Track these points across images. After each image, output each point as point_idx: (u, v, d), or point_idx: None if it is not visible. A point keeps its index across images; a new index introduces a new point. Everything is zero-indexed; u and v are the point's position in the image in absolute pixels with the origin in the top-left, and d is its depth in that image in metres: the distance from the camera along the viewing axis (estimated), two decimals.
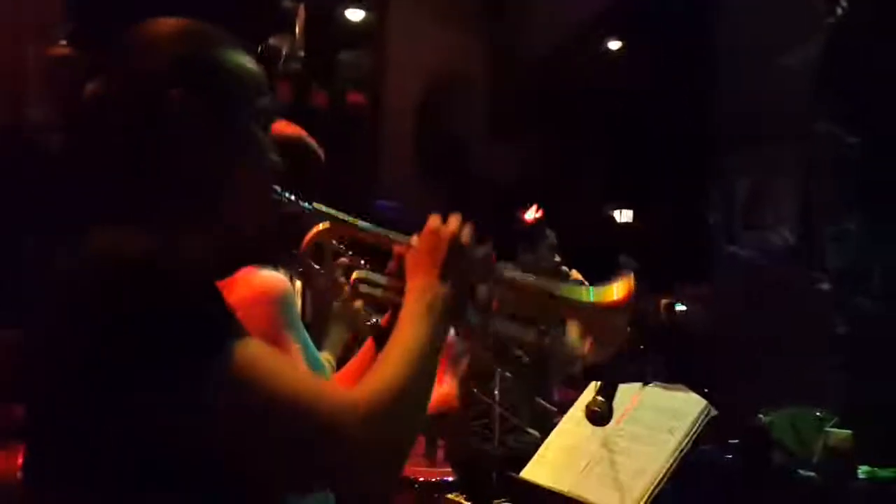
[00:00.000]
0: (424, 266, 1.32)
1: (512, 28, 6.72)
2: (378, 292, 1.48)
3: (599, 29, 6.70)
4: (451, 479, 3.60)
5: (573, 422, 2.23)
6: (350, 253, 1.56)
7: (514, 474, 2.25)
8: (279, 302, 1.69)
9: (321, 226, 1.44)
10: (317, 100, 6.86)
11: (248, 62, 1.23)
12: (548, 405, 2.78)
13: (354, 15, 7.16)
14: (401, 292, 1.38)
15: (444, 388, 3.33)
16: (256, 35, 6.81)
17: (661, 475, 1.95)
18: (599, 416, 1.69)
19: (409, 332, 1.23)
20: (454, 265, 1.32)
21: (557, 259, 3.64)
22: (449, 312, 1.29)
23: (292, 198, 1.34)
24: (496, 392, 2.64)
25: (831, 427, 3.43)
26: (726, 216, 4.39)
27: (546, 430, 2.33)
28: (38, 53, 5.60)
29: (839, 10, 3.31)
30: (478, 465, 3.32)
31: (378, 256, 1.51)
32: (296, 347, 1.67)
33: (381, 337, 1.52)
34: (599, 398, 1.68)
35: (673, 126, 5.86)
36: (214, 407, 1.01)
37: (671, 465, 1.95)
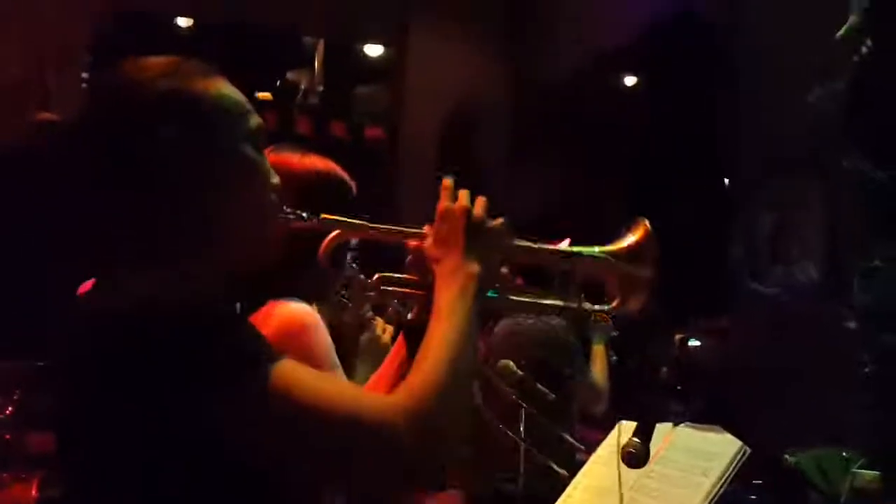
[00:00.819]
0: (447, 249, 1.30)
1: (532, 58, 6.74)
2: (402, 289, 1.47)
3: (621, 60, 6.71)
4: None
5: (601, 462, 2.19)
6: (381, 287, 1.54)
7: None
8: (310, 331, 1.67)
9: (334, 233, 1.44)
10: (336, 133, 6.89)
11: (230, 89, 1.23)
12: (575, 442, 2.74)
13: (373, 50, 7.21)
14: (422, 285, 1.37)
15: None
16: (276, 70, 6.87)
17: None
18: (636, 457, 1.67)
19: (445, 321, 1.21)
20: (476, 242, 1.30)
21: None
22: (480, 291, 1.27)
23: (301, 214, 1.34)
24: (521, 430, 2.62)
25: (858, 468, 3.36)
26: (749, 251, 4.35)
27: (571, 469, 2.29)
28: (62, 82, 5.65)
29: (864, 49, 3.29)
30: None
31: (407, 287, 1.49)
32: (335, 372, 1.66)
33: (410, 333, 1.50)
34: (635, 440, 1.66)
35: (693, 160, 5.85)
36: (261, 426, 1.03)
37: None
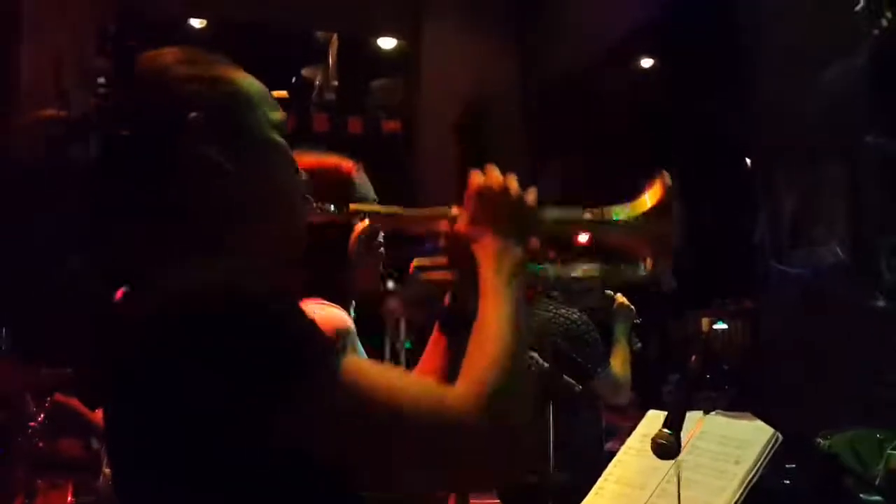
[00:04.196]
0: (485, 228, 1.26)
1: (548, 48, 6.70)
2: (438, 275, 1.42)
3: (637, 46, 6.66)
4: None
5: (632, 452, 2.17)
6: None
7: None
8: (341, 334, 1.67)
9: (362, 223, 1.42)
10: (352, 128, 6.88)
11: (254, 79, 1.23)
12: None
13: (387, 43, 7.18)
14: (457, 268, 1.34)
15: None
16: (290, 66, 6.87)
17: None
18: (667, 448, 1.65)
19: (499, 307, 1.18)
20: (514, 219, 1.27)
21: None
22: (524, 269, 1.25)
23: (328, 206, 1.33)
24: (550, 421, 2.60)
25: (893, 448, 3.32)
26: (773, 233, 4.30)
27: (601, 458, 2.27)
28: (79, 87, 5.67)
29: (884, 22, 3.24)
30: (531, 499, 3.25)
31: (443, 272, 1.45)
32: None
33: (447, 320, 1.47)
34: (666, 430, 1.64)
35: (713, 142, 5.79)
36: (332, 422, 1.01)
37: (739, 498, 1.88)
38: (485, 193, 1.29)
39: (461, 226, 1.30)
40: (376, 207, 1.42)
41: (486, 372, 1.09)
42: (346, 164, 2.03)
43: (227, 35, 6.47)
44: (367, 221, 1.42)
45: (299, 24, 6.86)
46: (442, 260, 1.41)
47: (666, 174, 1.46)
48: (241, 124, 1.18)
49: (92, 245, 1.25)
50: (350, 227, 1.41)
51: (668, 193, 1.44)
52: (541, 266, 1.38)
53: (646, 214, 1.43)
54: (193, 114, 1.14)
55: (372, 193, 2.14)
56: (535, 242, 1.32)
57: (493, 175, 1.31)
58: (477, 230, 1.27)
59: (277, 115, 1.23)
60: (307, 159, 1.88)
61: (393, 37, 7.13)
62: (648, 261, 1.46)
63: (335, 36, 6.85)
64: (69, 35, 5.70)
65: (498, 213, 1.27)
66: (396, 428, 1.02)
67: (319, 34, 7.00)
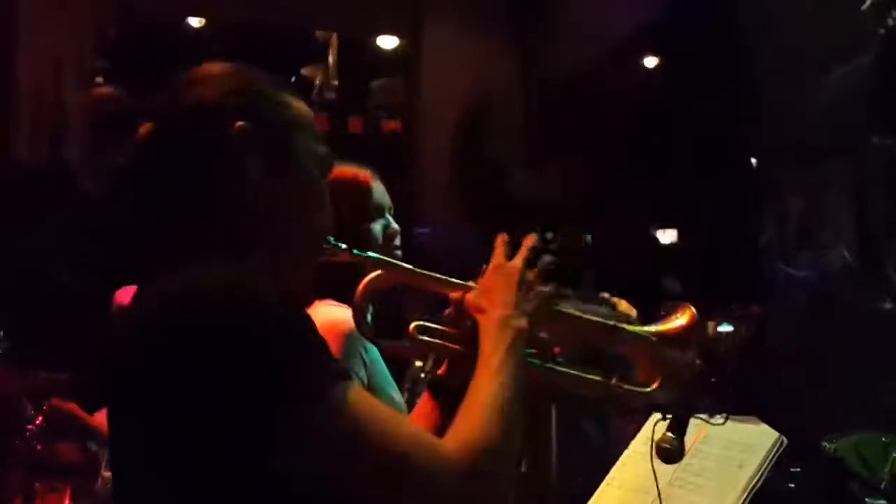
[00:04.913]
0: (493, 302, 1.27)
1: (548, 48, 6.69)
2: (438, 341, 1.39)
3: (638, 46, 6.63)
4: None
5: (635, 457, 2.14)
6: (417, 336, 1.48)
7: None
8: (340, 340, 1.65)
9: (375, 273, 1.39)
10: (352, 128, 6.87)
11: (307, 109, 1.23)
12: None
13: (387, 42, 7.16)
14: (460, 339, 1.33)
15: None
16: (290, 66, 6.84)
17: None
18: (670, 453, 1.61)
19: (496, 376, 1.17)
20: (525, 302, 1.27)
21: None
22: (525, 342, 1.24)
23: (344, 247, 1.32)
24: (553, 428, 2.58)
25: None
26: (779, 236, 4.28)
27: (605, 464, 2.24)
28: (78, 89, 5.66)
29: (890, 21, 3.21)
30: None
31: (443, 339, 1.42)
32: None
33: (438, 388, 1.43)
34: (669, 434, 1.60)
35: (718, 144, 5.76)
36: (321, 445, 1.00)
37: (743, 502, 1.86)
38: (503, 271, 1.31)
39: (471, 296, 1.31)
40: (393, 262, 1.41)
41: (470, 444, 1.08)
42: (363, 175, 2.05)
43: (226, 34, 6.47)
44: (376, 273, 1.39)
45: (299, 23, 6.85)
46: (444, 327, 1.39)
47: (693, 308, 1.46)
48: (287, 145, 1.18)
49: (102, 245, 1.25)
50: (363, 270, 1.38)
51: (692, 326, 1.44)
52: (536, 360, 1.35)
53: (665, 339, 1.43)
54: (240, 123, 1.13)
55: (387, 201, 2.13)
56: (542, 333, 1.33)
57: (519, 257, 1.33)
58: (484, 302, 1.28)
59: (321, 149, 1.24)
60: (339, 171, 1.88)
61: (393, 36, 7.10)
62: (657, 383, 1.45)
63: (335, 35, 6.83)
64: (67, 35, 5.68)
65: (511, 291, 1.28)
66: (386, 465, 1.03)
67: (319, 34, 6.99)
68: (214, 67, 1.20)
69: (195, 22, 6.75)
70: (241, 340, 0.99)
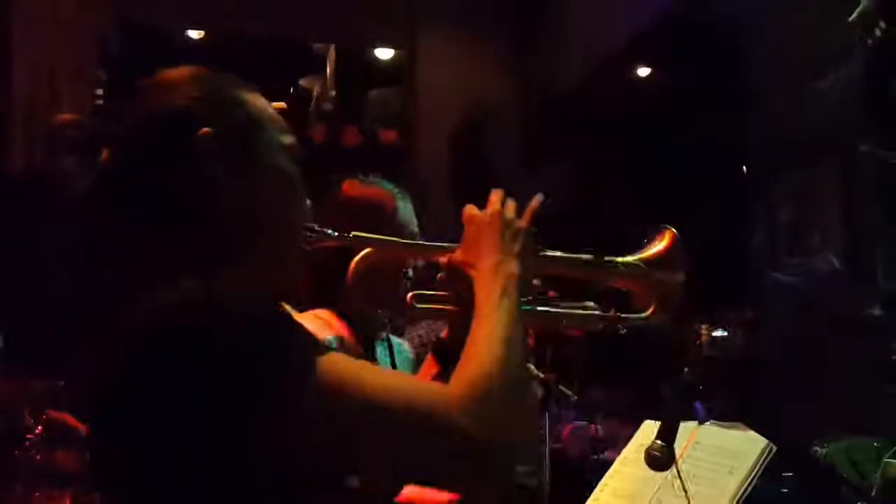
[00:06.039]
0: (480, 253, 1.27)
1: (544, 57, 6.71)
2: (435, 305, 1.43)
3: (632, 55, 6.66)
4: None
5: (627, 463, 2.17)
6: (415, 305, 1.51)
7: None
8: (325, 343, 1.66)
9: (363, 252, 1.42)
10: (350, 139, 6.89)
11: (267, 103, 1.23)
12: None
13: (384, 53, 7.20)
14: (455, 301, 1.34)
15: None
16: (288, 77, 6.88)
17: None
18: (659, 460, 1.65)
19: (490, 319, 1.18)
20: (511, 242, 1.28)
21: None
22: (520, 291, 1.23)
23: (331, 232, 1.32)
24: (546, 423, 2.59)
25: (890, 457, 3.31)
26: (768, 242, 4.31)
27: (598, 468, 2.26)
28: (74, 99, 5.67)
29: (878, 32, 3.24)
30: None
31: (440, 304, 1.45)
32: None
33: (442, 353, 1.47)
34: (659, 442, 1.64)
35: (707, 151, 5.78)
36: (314, 421, 1.00)
37: None
38: (475, 219, 1.31)
39: (457, 255, 1.32)
40: (378, 237, 1.42)
41: (471, 379, 1.08)
42: (389, 201, 2.05)
43: (225, 46, 6.48)
44: (365, 252, 1.42)
45: (297, 35, 6.87)
46: (440, 292, 1.42)
47: (673, 229, 1.49)
48: (249, 146, 1.18)
49: (87, 256, 1.26)
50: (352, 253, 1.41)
51: (676, 245, 1.46)
52: (528, 305, 1.36)
53: (653, 262, 1.45)
54: (204, 130, 1.14)
55: (413, 225, 2.11)
56: (532, 278, 1.33)
57: (493, 201, 1.33)
58: (472, 256, 1.29)
59: (287, 139, 1.23)
60: (354, 190, 1.91)
61: (389, 47, 7.14)
62: (651, 308, 1.47)
63: (333, 47, 6.87)
64: (64, 45, 5.70)
65: (494, 238, 1.28)
66: (371, 420, 1.02)
67: (317, 45, 7.02)
68: (173, 74, 1.20)
69: (194, 34, 6.78)
70: (217, 345, 1.00)
